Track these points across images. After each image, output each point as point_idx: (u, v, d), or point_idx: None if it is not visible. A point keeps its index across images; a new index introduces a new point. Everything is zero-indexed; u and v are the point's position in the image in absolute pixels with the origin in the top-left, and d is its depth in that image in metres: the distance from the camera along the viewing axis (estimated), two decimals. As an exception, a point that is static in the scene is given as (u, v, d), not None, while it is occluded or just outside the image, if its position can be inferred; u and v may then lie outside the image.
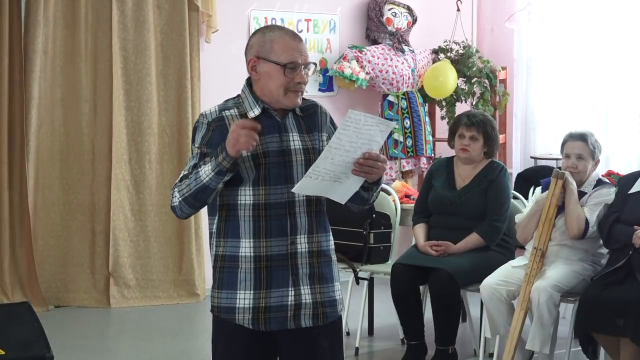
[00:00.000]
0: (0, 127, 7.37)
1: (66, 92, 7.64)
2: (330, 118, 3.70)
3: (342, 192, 3.49)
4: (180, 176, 3.54)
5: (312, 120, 3.63)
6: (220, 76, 8.00)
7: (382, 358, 6.69)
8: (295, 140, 3.55)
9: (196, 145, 3.55)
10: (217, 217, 3.58)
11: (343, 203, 3.54)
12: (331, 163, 3.36)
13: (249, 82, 3.62)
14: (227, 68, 8.02)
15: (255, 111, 3.55)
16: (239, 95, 3.63)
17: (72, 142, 7.70)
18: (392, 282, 6.14)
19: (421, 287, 6.24)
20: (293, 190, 3.44)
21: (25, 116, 7.38)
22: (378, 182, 3.56)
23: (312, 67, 3.59)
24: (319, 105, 3.69)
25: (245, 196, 3.50)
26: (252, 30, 8.24)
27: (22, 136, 7.38)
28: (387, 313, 6.97)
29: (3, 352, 5.10)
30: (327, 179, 3.40)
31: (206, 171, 3.42)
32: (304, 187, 3.41)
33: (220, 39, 8.07)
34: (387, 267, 6.53)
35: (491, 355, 6.14)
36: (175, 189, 3.51)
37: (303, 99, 3.62)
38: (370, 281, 6.81)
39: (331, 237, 3.67)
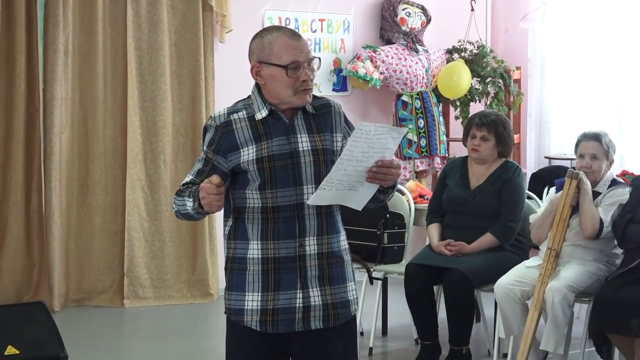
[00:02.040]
0: (17, 129, 7.37)
1: (85, 93, 7.65)
2: (345, 117, 3.65)
3: (358, 199, 3.48)
4: (184, 181, 3.58)
5: (324, 120, 3.58)
6: (234, 76, 7.98)
7: (396, 358, 6.69)
8: (303, 142, 3.51)
9: (204, 149, 3.56)
10: (230, 220, 3.58)
11: (360, 209, 3.52)
12: (344, 174, 3.35)
13: (258, 83, 3.59)
14: (241, 68, 7.96)
15: (263, 113, 3.51)
16: (249, 96, 3.60)
17: (91, 143, 7.69)
18: (406, 282, 6.13)
19: (435, 287, 6.24)
20: (309, 202, 3.43)
21: (46, 117, 7.39)
22: (393, 185, 3.54)
23: (316, 61, 3.53)
24: (333, 104, 3.64)
25: (253, 199, 3.49)
26: (267, 30, 8.25)
27: (38, 137, 7.39)
28: (401, 313, 6.96)
29: (17, 352, 5.11)
30: (341, 188, 3.39)
31: (190, 206, 3.48)
32: (318, 199, 3.40)
33: (234, 39, 8.06)
34: (401, 267, 6.53)
35: (505, 355, 6.13)
36: (175, 198, 3.57)
37: (315, 96, 3.58)
38: (384, 281, 6.80)
39: (343, 237, 3.63)
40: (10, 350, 5.10)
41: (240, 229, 3.54)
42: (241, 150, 3.48)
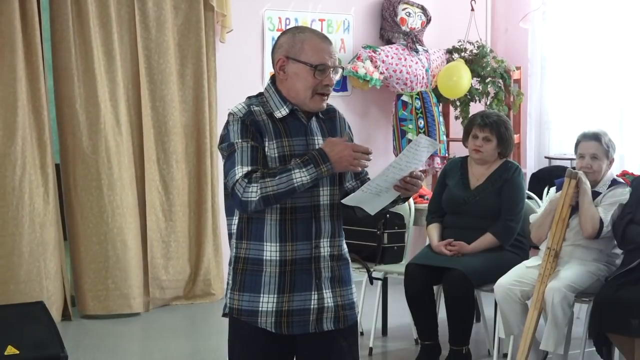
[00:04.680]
0: (44, 129, 7.33)
1: (103, 92, 7.57)
2: (348, 124, 3.72)
3: (376, 204, 3.55)
4: (248, 170, 3.39)
5: (332, 124, 3.63)
6: (234, 76, 8.00)
7: (396, 358, 6.69)
8: (320, 144, 3.51)
9: (239, 140, 3.44)
10: (237, 219, 3.55)
11: (373, 214, 3.58)
12: (384, 179, 3.43)
13: (274, 81, 3.58)
14: (241, 68, 8.02)
15: (283, 111, 3.52)
16: (261, 94, 3.60)
17: (111, 143, 7.63)
18: (406, 282, 6.14)
19: (435, 287, 6.24)
20: (343, 201, 3.50)
21: (63, 117, 7.40)
22: (406, 197, 3.60)
23: (339, 71, 3.58)
24: (337, 110, 3.69)
25: None
26: (266, 30, 8.25)
27: (49, 137, 7.37)
28: (401, 313, 6.96)
29: (17, 352, 5.11)
30: (373, 192, 3.47)
31: (302, 178, 3.36)
32: (354, 200, 3.48)
33: (234, 39, 8.07)
34: (401, 267, 6.53)
35: (505, 355, 6.14)
36: (255, 185, 3.35)
37: None
38: (384, 281, 6.80)
39: (344, 240, 3.68)
40: (10, 350, 5.10)
41: (255, 229, 3.51)
42: (266, 141, 3.47)
